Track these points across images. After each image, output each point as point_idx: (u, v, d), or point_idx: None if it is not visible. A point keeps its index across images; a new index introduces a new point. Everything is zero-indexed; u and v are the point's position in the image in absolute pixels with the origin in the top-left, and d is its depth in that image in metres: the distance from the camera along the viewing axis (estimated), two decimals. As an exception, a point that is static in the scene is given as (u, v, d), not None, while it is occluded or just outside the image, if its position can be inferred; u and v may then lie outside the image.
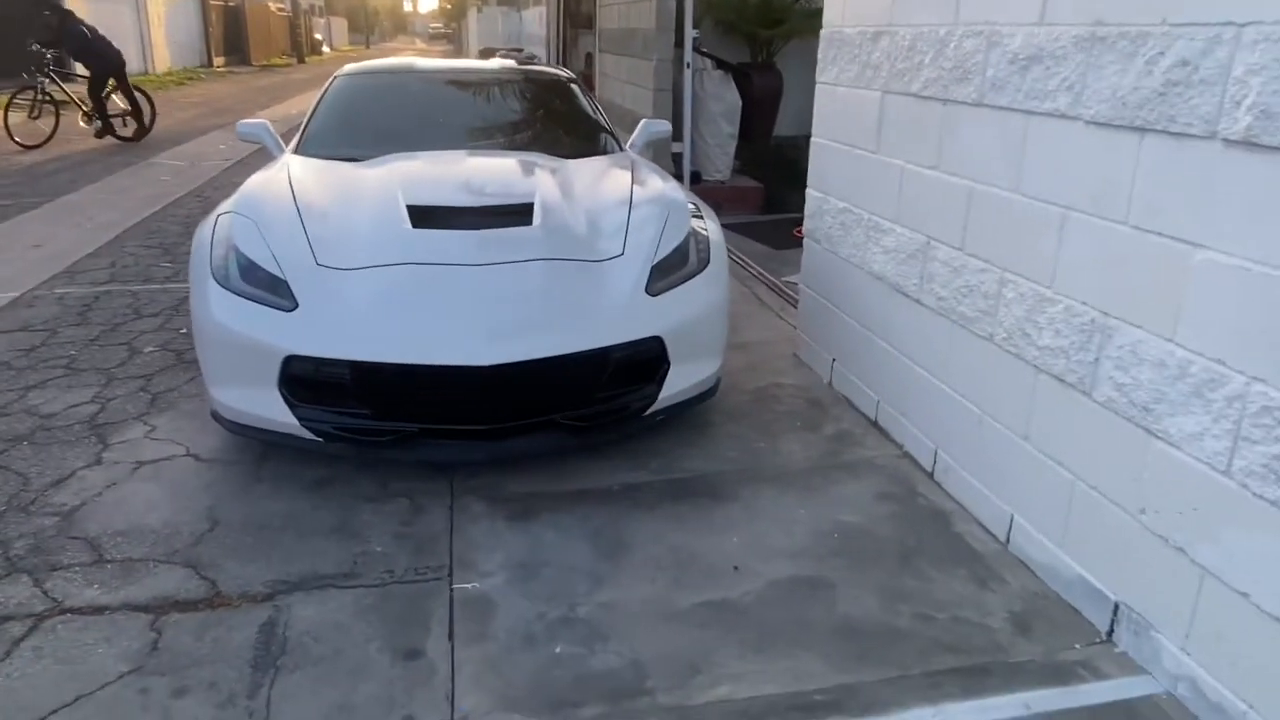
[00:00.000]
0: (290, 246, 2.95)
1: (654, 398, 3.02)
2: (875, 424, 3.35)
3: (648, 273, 3.05)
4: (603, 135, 4.41)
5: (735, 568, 2.48)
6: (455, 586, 2.39)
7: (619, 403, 2.97)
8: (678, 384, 3.05)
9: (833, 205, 3.64)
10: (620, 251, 3.10)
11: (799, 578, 2.45)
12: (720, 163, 7.42)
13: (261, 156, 4.31)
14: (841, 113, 3.52)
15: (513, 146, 4.20)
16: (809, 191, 3.88)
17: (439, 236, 3.03)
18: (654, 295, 3.01)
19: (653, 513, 2.78)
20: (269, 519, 2.68)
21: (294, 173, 3.52)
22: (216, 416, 2.97)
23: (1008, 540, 2.58)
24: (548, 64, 12.62)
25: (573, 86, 4.82)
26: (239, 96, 18.30)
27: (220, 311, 2.82)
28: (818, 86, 3.74)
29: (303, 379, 2.74)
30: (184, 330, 4.21)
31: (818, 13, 3.78)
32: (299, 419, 2.75)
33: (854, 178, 3.44)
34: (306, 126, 4.18)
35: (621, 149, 4.29)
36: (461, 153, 3.94)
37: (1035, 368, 2.41)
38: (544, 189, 3.37)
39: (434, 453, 2.87)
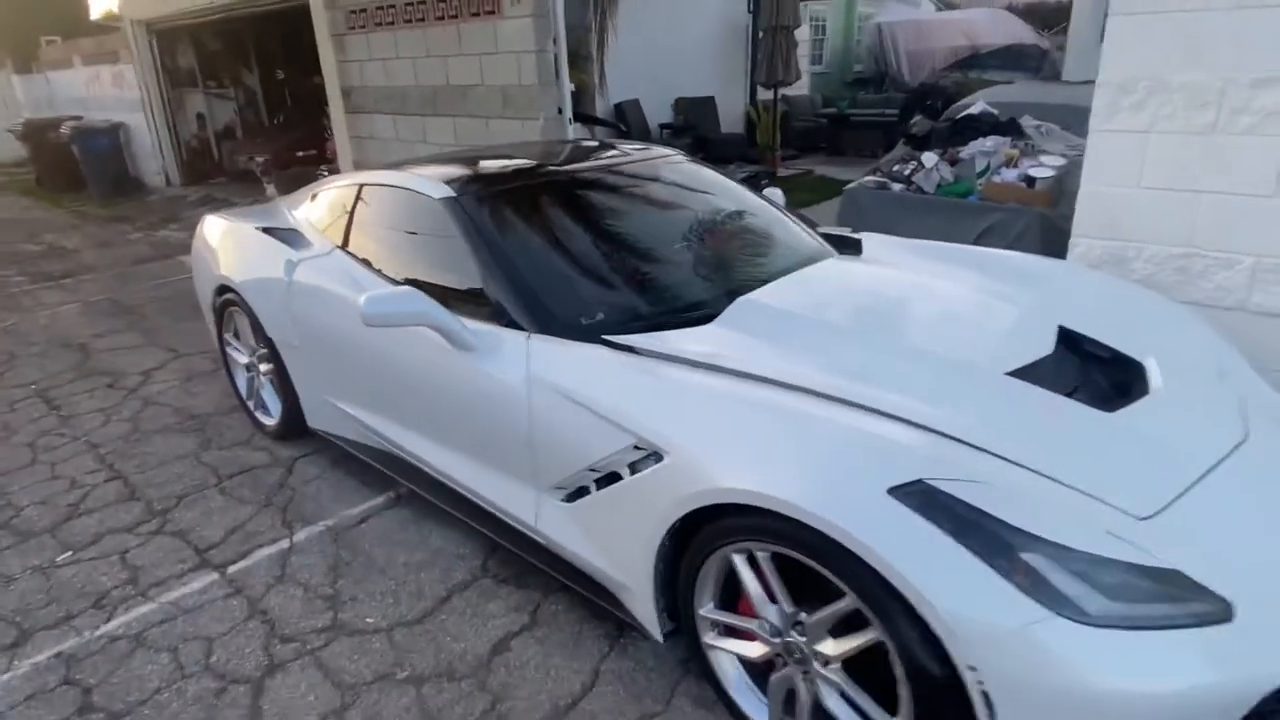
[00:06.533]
0: (1066, 506, 1.72)
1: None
2: None
3: None
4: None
5: None
6: None
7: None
8: None
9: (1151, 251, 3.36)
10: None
11: None
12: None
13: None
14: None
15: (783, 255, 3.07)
16: (1081, 240, 3.55)
17: (1149, 414, 2.06)
18: None
19: None
20: None
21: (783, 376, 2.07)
22: None
23: None
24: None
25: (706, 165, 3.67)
26: None
27: (1102, 665, 1.52)
28: (1098, 134, 3.42)
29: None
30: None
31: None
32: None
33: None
34: (515, 286, 2.55)
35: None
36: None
37: None
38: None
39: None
